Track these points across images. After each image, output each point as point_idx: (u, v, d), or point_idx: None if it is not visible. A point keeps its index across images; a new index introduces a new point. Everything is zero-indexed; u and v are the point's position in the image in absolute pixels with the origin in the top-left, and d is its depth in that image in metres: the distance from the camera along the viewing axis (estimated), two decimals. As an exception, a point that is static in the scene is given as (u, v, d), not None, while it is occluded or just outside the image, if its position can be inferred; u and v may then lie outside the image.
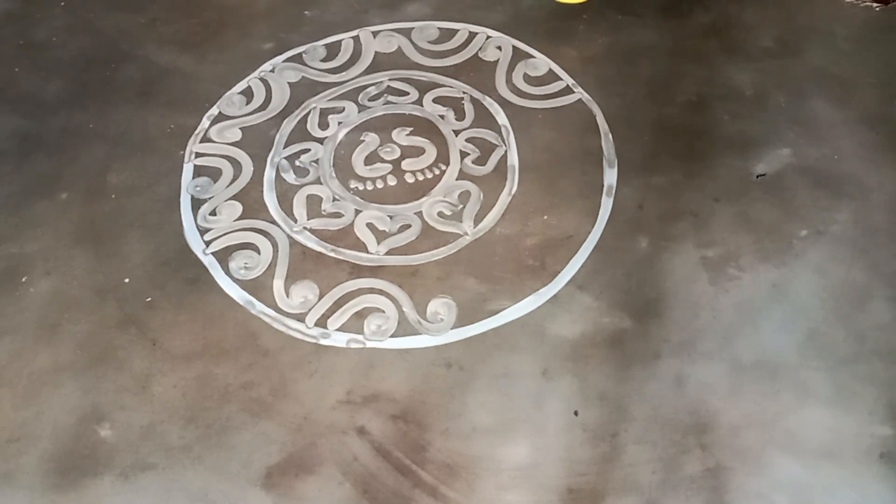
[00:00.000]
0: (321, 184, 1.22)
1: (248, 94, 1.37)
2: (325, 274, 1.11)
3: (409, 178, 1.22)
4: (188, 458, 0.93)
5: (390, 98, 1.35)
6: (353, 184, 1.22)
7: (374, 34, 1.46)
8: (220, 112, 1.34)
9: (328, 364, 1.01)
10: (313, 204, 1.20)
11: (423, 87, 1.36)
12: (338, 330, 1.04)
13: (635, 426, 0.94)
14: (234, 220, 1.18)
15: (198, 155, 1.27)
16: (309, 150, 1.27)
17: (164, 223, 1.18)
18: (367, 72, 1.40)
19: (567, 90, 1.35)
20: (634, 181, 1.20)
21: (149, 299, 1.09)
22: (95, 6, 1.56)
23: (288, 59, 1.43)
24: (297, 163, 1.25)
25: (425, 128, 1.30)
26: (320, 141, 1.28)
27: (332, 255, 1.13)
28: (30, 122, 1.34)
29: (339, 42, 1.46)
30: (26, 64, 1.45)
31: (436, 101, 1.34)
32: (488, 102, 1.33)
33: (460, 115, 1.31)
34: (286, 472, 0.92)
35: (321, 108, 1.34)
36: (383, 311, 1.06)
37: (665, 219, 1.15)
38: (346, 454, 0.93)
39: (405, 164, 1.24)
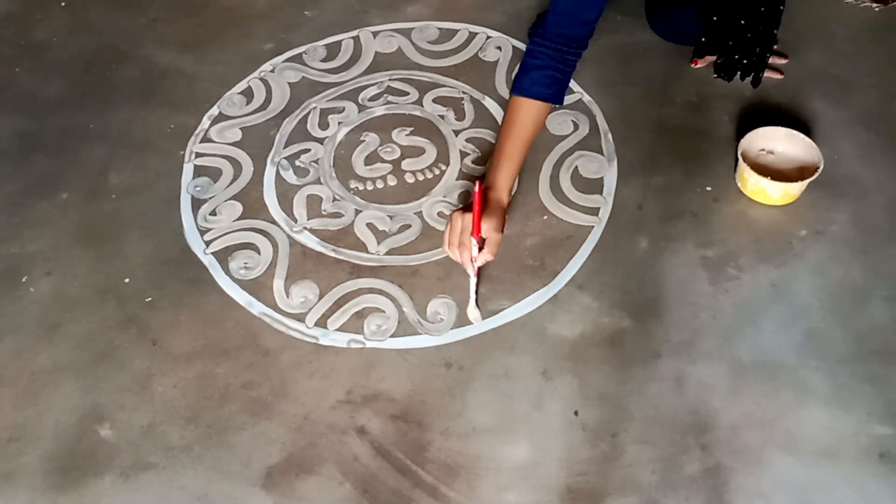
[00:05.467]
0: (321, 184, 1.22)
1: (248, 94, 1.37)
2: (325, 274, 1.11)
3: (409, 178, 1.23)
4: (188, 458, 0.93)
5: (390, 98, 1.35)
6: (353, 184, 1.22)
7: (374, 34, 1.47)
8: (220, 112, 1.34)
9: (328, 364, 1.01)
10: (313, 204, 1.20)
11: (423, 87, 1.36)
12: (338, 330, 1.05)
13: (635, 426, 0.94)
14: (234, 220, 1.18)
15: (198, 155, 1.28)
16: (309, 150, 1.27)
17: (164, 223, 1.18)
18: (367, 72, 1.40)
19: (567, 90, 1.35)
20: (634, 181, 1.20)
21: (149, 299, 1.09)
22: (95, 6, 1.57)
23: (288, 59, 1.43)
24: (298, 163, 1.25)
25: (425, 128, 1.30)
26: (320, 141, 1.29)
27: (332, 255, 1.13)
28: (30, 122, 1.34)
29: (339, 42, 1.46)
30: (26, 64, 1.45)
31: (436, 101, 1.34)
32: (488, 102, 1.33)
33: (460, 115, 1.32)
34: (286, 472, 0.92)
35: (321, 108, 1.34)
36: (383, 311, 1.06)
37: (665, 219, 1.15)
38: (346, 454, 0.93)
39: (405, 164, 1.24)
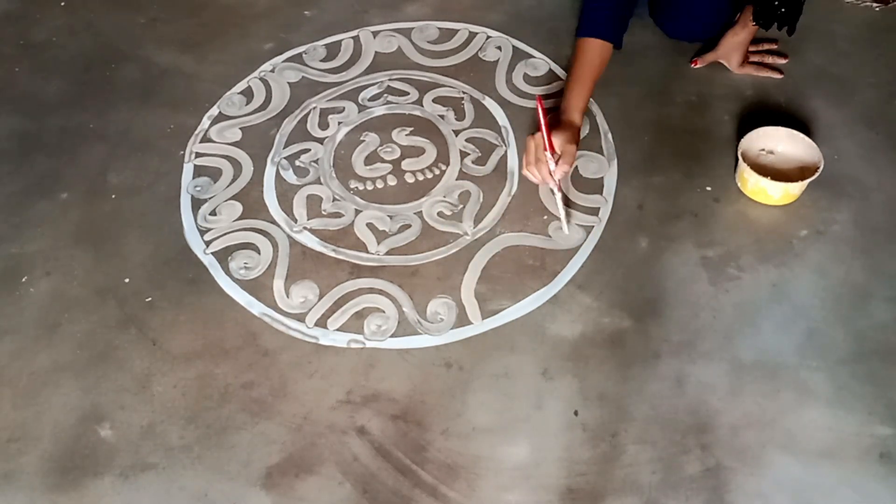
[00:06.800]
0: (321, 184, 1.22)
1: (248, 94, 1.37)
2: (325, 274, 1.11)
3: (409, 178, 1.22)
4: (188, 458, 0.93)
5: (390, 98, 1.35)
6: (353, 184, 1.22)
7: (374, 34, 1.47)
8: (220, 112, 1.34)
9: (328, 364, 1.01)
10: (313, 204, 1.20)
11: (423, 87, 1.36)
12: (338, 330, 1.04)
13: (635, 426, 0.94)
14: (234, 220, 1.18)
15: (198, 155, 1.28)
16: (309, 150, 1.27)
17: (164, 223, 1.18)
18: (367, 72, 1.40)
19: (567, 90, 1.35)
20: (634, 181, 1.20)
21: (149, 299, 1.09)
22: (95, 6, 1.57)
23: (288, 59, 1.43)
24: (298, 163, 1.25)
25: (425, 128, 1.30)
26: (320, 141, 1.29)
27: (332, 255, 1.13)
28: (30, 122, 1.34)
29: (339, 42, 1.46)
30: (26, 64, 1.45)
31: (436, 101, 1.34)
32: (488, 102, 1.33)
33: (460, 115, 1.31)
34: (286, 472, 0.92)
35: (321, 108, 1.34)
36: (383, 311, 1.06)
37: (665, 219, 1.15)
38: (346, 454, 0.93)
39: (405, 164, 1.24)
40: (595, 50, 1.19)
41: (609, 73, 1.36)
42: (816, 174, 1.11)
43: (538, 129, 1.08)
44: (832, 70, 1.35)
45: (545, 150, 1.07)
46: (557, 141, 1.09)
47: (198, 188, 1.22)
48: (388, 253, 1.13)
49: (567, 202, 1.13)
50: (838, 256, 1.09)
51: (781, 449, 0.92)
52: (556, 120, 1.15)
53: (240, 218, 1.18)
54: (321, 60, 1.43)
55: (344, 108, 1.34)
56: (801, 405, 0.95)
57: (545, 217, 1.16)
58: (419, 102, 1.34)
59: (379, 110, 1.33)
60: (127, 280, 1.11)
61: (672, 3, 1.37)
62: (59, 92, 1.39)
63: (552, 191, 1.11)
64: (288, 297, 1.08)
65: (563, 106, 1.17)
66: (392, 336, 1.04)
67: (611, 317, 1.04)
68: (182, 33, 1.50)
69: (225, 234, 1.16)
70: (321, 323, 1.05)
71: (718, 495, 0.88)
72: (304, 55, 1.44)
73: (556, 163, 1.09)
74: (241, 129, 1.31)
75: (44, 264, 1.13)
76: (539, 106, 1.05)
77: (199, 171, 1.25)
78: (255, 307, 1.07)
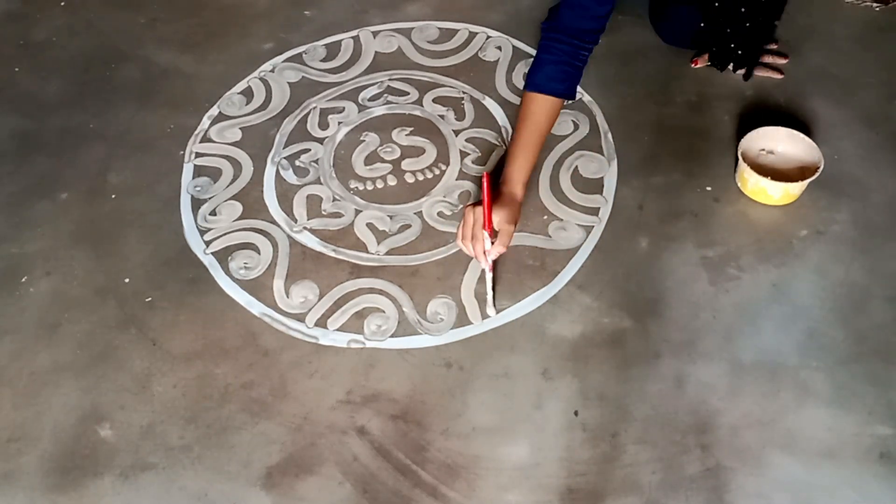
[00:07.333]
0: (321, 184, 1.22)
1: (248, 94, 1.37)
2: (325, 274, 1.11)
3: (409, 178, 1.22)
4: (188, 458, 0.93)
5: (390, 98, 1.35)
6: (353, 184, 1.22)
7: (374, 34, 1.47)
8: (220, 112, 1.34)
9: (328, 364, 1.01)
10: (313, 204, 1.20)
11: (423, 87, 1.36)
12: (338, 330, 1.04)
13: (635, 426, 0.94)
14: (234, 220, 1.18)
15: (198, 155, 1.28)
16: (309, 150, 1.27)
17: (164, 223, 1.18)
18: (367, 72, 1.40)
19: (567, 90, 1.35)
20: (634, 181, 1.20)
21: (149, 299, 1.09)
22: (95, 6, 1.57)
23: (288, 59, 1.43)
24: (298, 163, 1.25)
25: (425, 128, 1.30)
26: (320, 141, 1.29)
27: (332, 255, 1.13)
28: (30, 122, 1.34)
29: (339, 42, 1.46)
30: (26, 64, 1.45)
31: (436, 101, 1.34)
32: (488, 102, 1.33)
33: (460, 115, 1.32)
34: (286, 472, 0.92)
35: (321, 108, 1.34)
36: (383, 311, 1.06)
37: (665, 219, 1.15)
38: (346, 454, 0.93)
39: (405, 164, 1.24)
40: (545, 107, 1.08)
41: (609, 73, 1.36)
42: (816, 174, 1.11)
43: (480, 201, 0.99)
44: (832, 70, 1.36)
45: (483, 227, 0.98)
46: (496, 218, 0.99)
47: (198, 188, 1.22)
48: (388, 253, 1.13)
49: (495, 283, 1.05)
50: (838, 256, 1.09)
51: (781, 449, 0.92)
52: (498, 191, 1.04)
53: (240, 218, 1.18)
54: (321, 60, 1.43)
55: (344, 108, 1.34)
56: (801, 405, 0.95)
57: (545, 217, 1.16)
58: (419, 102, 1.34)
59: (379, 110, 1.33)
60: (127, 280, 1.11)
61: (667, 12, 1.37)
62: (59, 92, 1.39)
63: (483, 269, 1.03)
64: (288, 297, 1.08)
65: (505, 174, 1.06)
66: (392, 336, 1.04)
67: (611, 317, 1.04)
68: (182, 33, 1.50)
69: (225, 234, 1.16)
70: (321, 323, 1.05)
71: (718, 495, 0.88)
72: (304, 55, 1.44)
73: (493, 242, 1.00)
74: (241, 129, 1.31)
75: (44, 264, 1.13)
76: (484, 182, 0.96)
77: (199, 171, 1.25)
78: (255, 307, 1.07)
